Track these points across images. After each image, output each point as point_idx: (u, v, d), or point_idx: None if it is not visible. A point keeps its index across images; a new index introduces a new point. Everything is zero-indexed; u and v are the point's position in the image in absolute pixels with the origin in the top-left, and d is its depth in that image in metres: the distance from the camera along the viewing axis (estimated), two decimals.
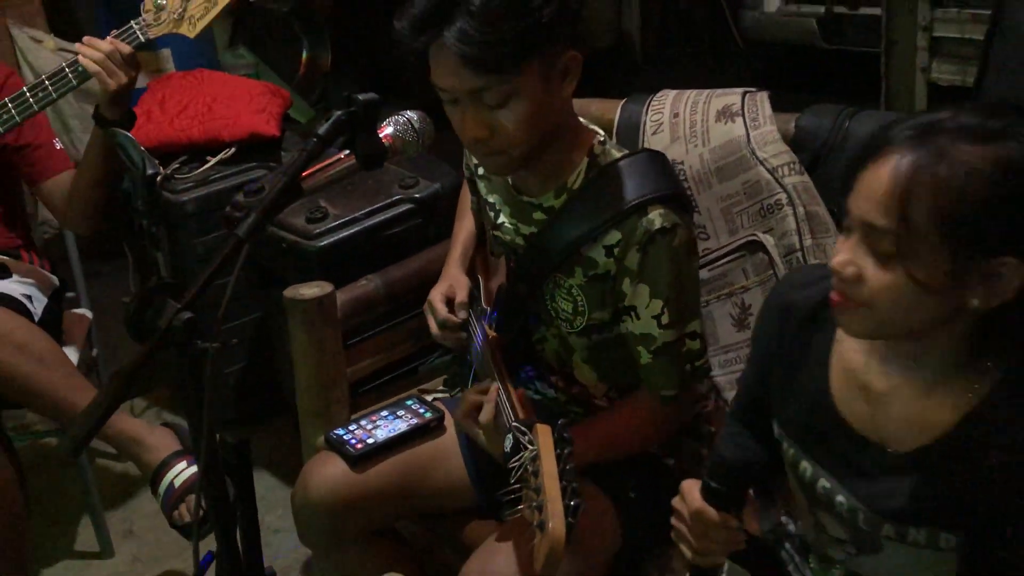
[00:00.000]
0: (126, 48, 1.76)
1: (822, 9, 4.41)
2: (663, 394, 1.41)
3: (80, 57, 1.76)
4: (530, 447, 1.17)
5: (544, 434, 1.17)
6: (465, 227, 1.75)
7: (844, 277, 0.97)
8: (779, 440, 1.18)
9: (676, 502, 1.11)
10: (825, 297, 1.05)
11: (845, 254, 0.97)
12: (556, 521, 1.06)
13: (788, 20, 4.64)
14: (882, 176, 0.92)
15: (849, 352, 1.10)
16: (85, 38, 1.78)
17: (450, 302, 1.62)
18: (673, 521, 1.11)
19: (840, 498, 1.10)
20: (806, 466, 1.14)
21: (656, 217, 1.33)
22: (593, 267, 1.39)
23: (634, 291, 1.36)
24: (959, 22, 2.16)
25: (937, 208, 0.89)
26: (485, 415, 1.32)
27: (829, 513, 1.12)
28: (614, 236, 1.36)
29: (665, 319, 1.36)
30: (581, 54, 1.31)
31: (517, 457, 1.17)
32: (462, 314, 1.60)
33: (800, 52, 4.79)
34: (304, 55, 4.90)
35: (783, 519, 1.23)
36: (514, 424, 1.24)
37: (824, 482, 1.12)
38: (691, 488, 1.09)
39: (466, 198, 1.77)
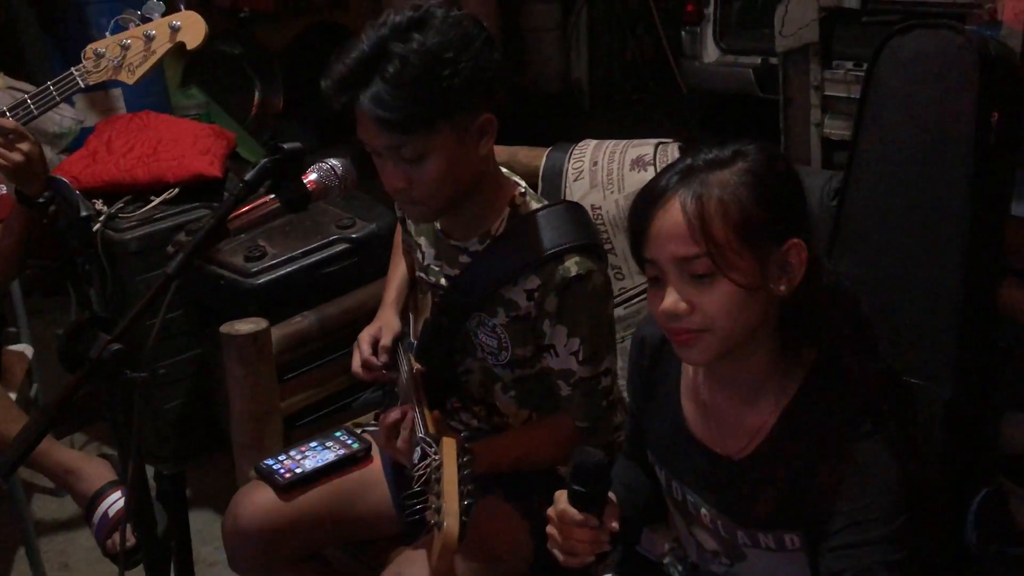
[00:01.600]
0: (9, 123, 1.72)
1: (758, 60, 4.60)
2: (579, 425, 1.49)
3: None
4: (435, 457, 1.26)
5: (448, 445, 1.26)
6: (400, 268, 1.83)
7: (680, 313, 1.08)
8: (654, 465, 1.28)
9: (549, 510, 1.19)
10: None
11: (670, 296, 1.09)
12: (451, 519, 1.16)
13: (726, 70, 4.82)
14: (675, 216, 1.07)
15: (690, 371, 1.23)
16: None
17: (376, 343, 1.69)
18: (547, 528, 1.19)
19: (704, 511, 1.20)
20: (675, 485, 1.24)
21: (572, 265, 1.43)
22: (515, 308, 1.47)
23: (553, 331, 1.45)
24: (845, 82, 2.35)
25: (727, 220, 1.05)
26: (401, 441, 1.41)
27: (701, 528, 1.22)
28: (534, 281, 1.45)
29: (581, 356, 1.45)
30: (495, 117, 1.39)
31: (424, 464, 1.26)
32: (383, 358, 1.67)
33: (739, 100, 4.97)
34: (256, 96, 4.99)
35: (672, 544, 1.32)
36: (421, 436, 1.34)
37: (691, 498, 1.22)
38: (560, 494, 1.18)
39: (400, 239, 1.84)
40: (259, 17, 5.06)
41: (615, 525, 1.15)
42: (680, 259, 1.07)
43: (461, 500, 1.18)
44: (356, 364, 1.69)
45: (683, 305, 1.07)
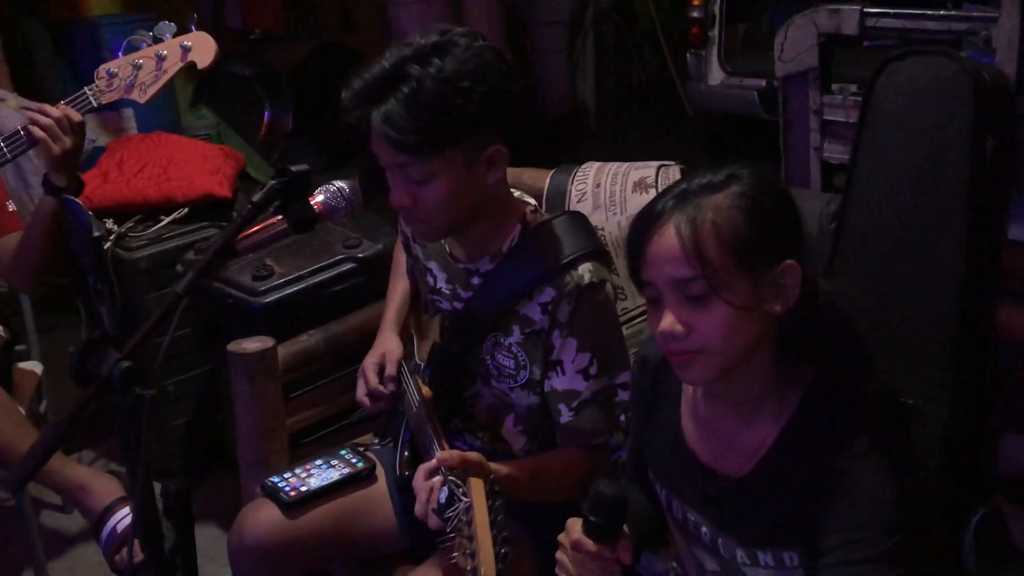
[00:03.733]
0: (76, 116, 1.83)
1: (763, 83, 4.63)
2: (592, 443, 1.48)
3: (29, 123, 1.83)
4: (464, 499, 1.25)
5: (477, 487, 1.26)
6: (399, 289, 1.84)
7: (677, 334, 1.10)
8: (654, 485, 1.29)
9: (560, 536, 1.20)
10: None
11: (667, 318, 1.11)
12: (487, 567, 1.16)
13: (731, 92, 4.87)
14: (670, 239, 1.09)
15: (690, 390, 1.25)
16: (36, 105, 1.85)
17: (382, 371, 1.70)
18: (557, 555, 1.20)
19: (704, 529, 1.21)
20: (676, 505, 1.25)
21: (585, 272, 1.44)
22: (530, 324, 1.47)
23: (563, 344, 1.45)
24: (844, 107, 2.40)
25: (721, 242, 1.08)
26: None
27: (701, 547, 1.23)
28: (549, 293, 1.45)
29: (594, 369, 1.45)
30: (506, 148, 1.41)
31: (453, 508, 1.25)
32: (390, 386, 1.67)
33: (743, 122, 5.00)
34: (266, 117, 5.04)
35: (673, 564, 1.33)
36: (450, 478, 1.30)
37: (691, 516, 1.23)
38: (574, 523, 1.19)
39: (400, 259, 1.86)
40: (269, 39, 5.13)
41: (628, 557, 1.16)
42: (676, 281, 1.09)
43: (496, 547, 1.18)
44: (361, 393, 1.69)
45: (679, 327, 1.09)
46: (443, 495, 1.29)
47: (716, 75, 4.86)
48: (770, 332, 1.12)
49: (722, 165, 1.14)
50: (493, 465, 1.34)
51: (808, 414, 1.13)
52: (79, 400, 1.12)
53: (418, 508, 1.31)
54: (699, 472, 1.21)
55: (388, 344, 1.74)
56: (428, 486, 1.29)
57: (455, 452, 1.31)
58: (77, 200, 1.11)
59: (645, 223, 1.12)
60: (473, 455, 1.31)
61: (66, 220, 1.84)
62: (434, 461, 1.31)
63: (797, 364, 1.14)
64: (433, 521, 1.28)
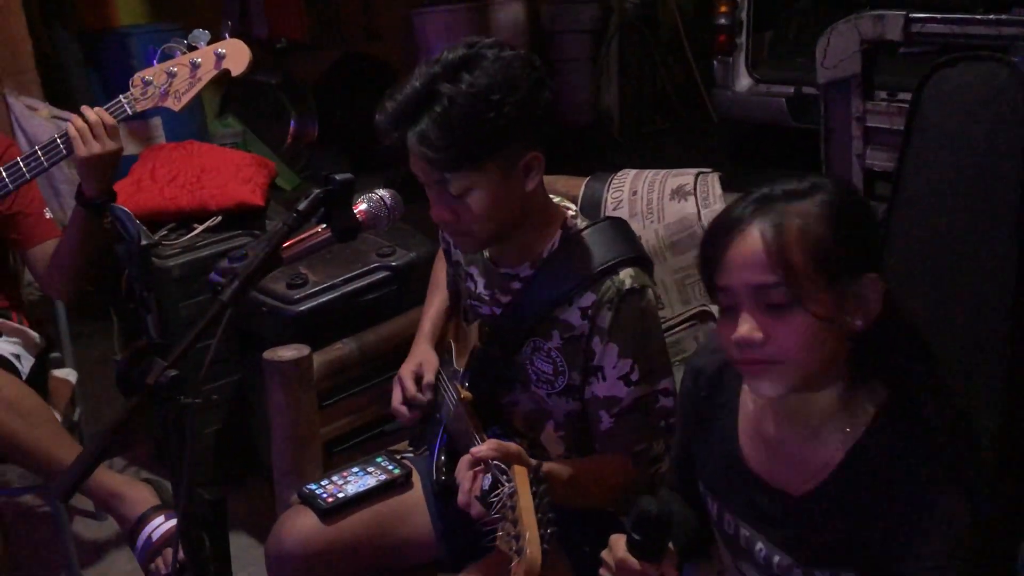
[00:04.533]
0: (110, 120, 1.83)
1: (791, 90, 4.61)
2: (635, 449, 1.47)
3: (69, 125, 1.83)
4: (508, 484, 1.24)
5: (521, 473, 1.25)
6: (437, 301, 1.84)
7: (753, 342, 1.07)
8: (704, 497, 1.28)
9: (604, 553, 1.19)
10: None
11: (745, 324, 1.08)
12: (533, 547, 1.15)
13: (759, 99, 4.84)
14: (753, 244, 1.07)
15: (749, 404, 1.22)
16: (82, 108, 1.85)
17: (419, 379, 1.69)
18: (601, 571, 1.19)
19: (759, 545, 1.19)
20: (729, 519, 1.23)
21: (626, 278, 1.43)
22: (570, 330, 1.47)
23: (604, 350, 1.44)
24: (888, 114, 2.36)
25: (807, 250, 1.05)
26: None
27: (751, 563, 1.21)
28: (589, 298, 1.45)
29: (635, 376, 1.44)
30: (543, 154, 1.41)
31: (496, 493, 1.24)
32: (428, 395, 1.67)
33: (771, 129, 4.98)
34: (291, 126, 5.07)
35: None
36: (493, 464, 1.29)
37: (744, 531, 1.21)
38: (617, 540, 1.17)
39: (440, 269, 1.86)
40: (295, 48, 5.16)
41: (673, 574, 1.15)
42: (756, 287, 1.07)
43: (542, 528, 1.16)
44: (397, 401, 1.69)
45: (758, 334, 1.07)
46: (487, 482, 1.28)
47: (743, 82, 4.83)
48: (846, 347, 1.09)
49: (797, 177, 1.12)
50: (535, 461, 1.33)
51: (879, 435, 1.10)
52: (125, 408, 1.12)
53: (461, 496, 1.30)
54: (757, 488, 1.19)
55: (425, 355, 1.74)
56: (471, 474, 1.29)
57: (494, 441, 1.30)
58: (125, 209, 1.12)
59: (725, 227, 1.10)
60: (513, 445, 1.30)
61: (104, 229, 1.85)
62: (475, 450, 1.30)
63: (869, 382, 1.11)
64: (476, 509, 1.28)
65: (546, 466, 1.34)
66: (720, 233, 1.10)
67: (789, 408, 1.15)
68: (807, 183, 1.10)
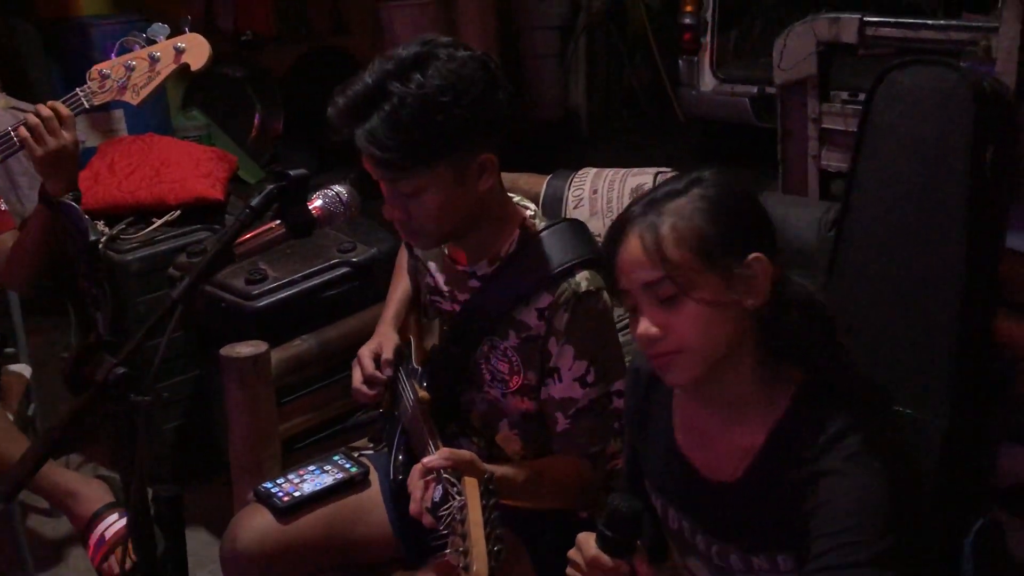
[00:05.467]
0: (66, 111, 1.77)
1: (755, 89, 4.65)
2: (590, 451, 1.47)
3: (20, 127, 1.77)
4: (458, 497, 1.24)
5: (471, 486, 1.25)
6: (400, 287, 1.83)
7: (652, 337, 1.12)
8: (650, 494, 1.29)
9: (572, 553, 1.19)
10: None
11: (643, 322, 1.13)
12: (479, 564, 1.15)
13: (723, 99, 4.87)
14: (634, 247, 1.13)
15: (681, 398, 1.25)
16: (37, 106, 1.81)
17: (378, 358, 1.68)
18: (568, 570, 1.19)
19: (699, 537, 1.21)
20: (673, 515, 1.25)
21: (583, 280, 1.43)
22: (526, 329, 1.47)
23: (560, 351, 1.44)
24: (843, 115, 2.40)
25: (682, 242, 1.11)
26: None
27: (695, 557, 1.23)
28: (545, 299, 1.45)
29: (591, 377, 1.45)
30: (496, 156, 1.40)
31: (446, 506, 1.24)
32: (387, 371, 1.66)
33: (735, 128, 5.01)
34: (257, 119, 5.02)
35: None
36: (444, 476, 1.29)
37: (686, 524, 1.23)
38: (586, 538, 1.18)
39: (403, 258, 1.85)
40: (261, 41, 5.11)
41: (646, 569, 1.16)
42: (645, 285, 1.12)
43: (490, 544, 1.17)
44: (357, 380, 1.67)
45: (654, 330, 1.11)
46: (437, 493, 1.28)
47: (708, 82, 4.86)
48: (749, 327, 1.13)
49: (678, 176, 1.18)
50: (489, 466, 1.33)
51: (797, 415, 1.13)
52: (73, 407, 1.10)
53: (412, 506, 1.30)
54: (693, 479, 1.21)
55: (385, 335, 1.73)
56: (422, 484, 1.29)
57: (446, 450, 1.30)
58: (74, 205, 1.09)
59: (612, 236, 1.16)
60: (466, 453, 1.31)
61: (59, 223, 1.81)
62: (426, 461, 1.30)
63: (780, 363, 1.15)
64: (427, 519, 1.28)
65: (499, 471, 1.34)
66: (611, 239, 1.16)
67: (709, 395, 1.18)
68: (685, 180, 1.16)
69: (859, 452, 1.07)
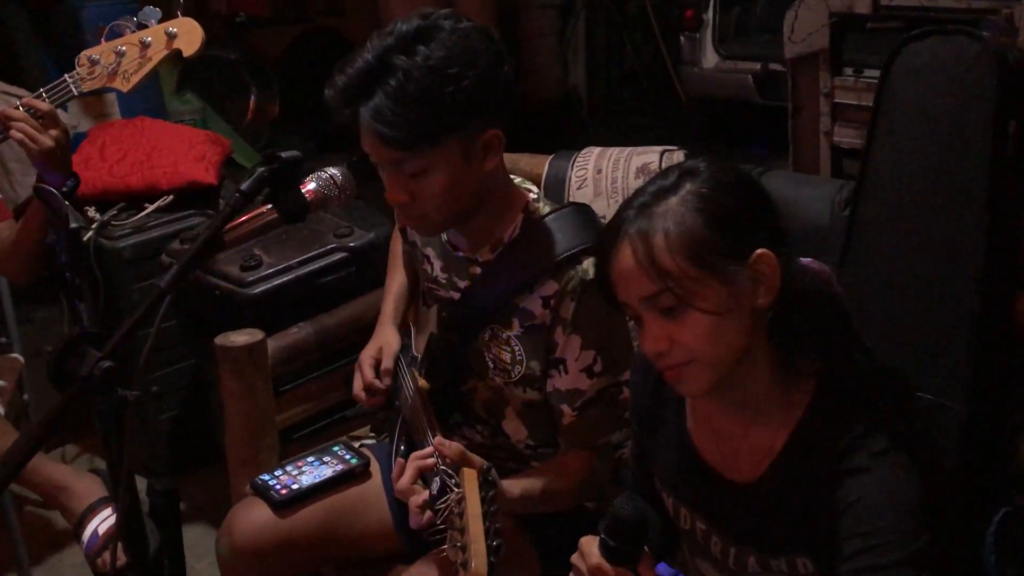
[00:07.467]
0: (44, 106, 1.71)
1: (758, 66, 4.59)
2: (598, 443, 1.44)
3: (11, 132, 1.71)
4: (456, 490, 1.20)
5: (470, 478, 1.21)
6: (397, 281, 1.78)
7: (660, 351, 1.06)
8: (660, 493, 1.24)
9: (575, 558, 1.15)
10: None
11: (648, 337, 1.07)
12: (478, 560, 1.11)
13: (726, 76, 4.82)
14: (627, 260, 1.05)
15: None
16: (3, 111, 1.72)
17: (378, 365, 1.64)
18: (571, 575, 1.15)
19: (714, 538, 1.16)
20: (685, 514, 1.20)
21: (589, 267, 1.38)
22: (530, 318, 1.42)
23: (566, 341, 1.40)
24: (856, 90, 2.33)
25: (677, 251, 1.03)
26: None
27: (707, 559, 1.18)
28: (551, 287, 1.40)
29: (598, 367, 1.40)
30: (503, 131, 1.35)
31: (444, 499, 1.21)
32: (386, 381, 1.63)
33: (737, 106, 4.96)
34: (252, 102, 4.97)
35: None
36: (441, 468, 1.26)
37: (700, 525, 1.18)
38: (589, 544, 1.13)
39: (397, 248, 1.80)
40: (255, 23, 5.05)
41: None
42: (644, 298, 1.05)
43: (488, 539, 1.13)
44: (358, 387, 1.65)
45: (661, 344, 1.06)
46: (435, 486, 1.24)
47: (710, 59, 4.80)
48: (760, 326, 1.07)
49: (665, 172, 1.10)
50: (502, 483, 1.29)
51: (818, 413, 1.08)
52: (58, 403, 1.06)
53: (412, 520, 1.28)
54: (709, 479, 1.16)
55: (386, 337, 1.69)
56: (411, 467, 1.27)
57: (439, 440, 1.28)
58: (53, 190, 1.04)
59: (604, 247, 1.09)
60: (455, 445, 1.27)
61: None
62: (418, 463, 1.28)
63: (797, 359, 1.09)
64: (426, 516, 1.25)
65: (509, 493, 1.31)
66: (603, 251, 1.09)
67: (727, 397, 1.12)
68: (675, 175, 1.07)
69: (888, 448, 1.03)
